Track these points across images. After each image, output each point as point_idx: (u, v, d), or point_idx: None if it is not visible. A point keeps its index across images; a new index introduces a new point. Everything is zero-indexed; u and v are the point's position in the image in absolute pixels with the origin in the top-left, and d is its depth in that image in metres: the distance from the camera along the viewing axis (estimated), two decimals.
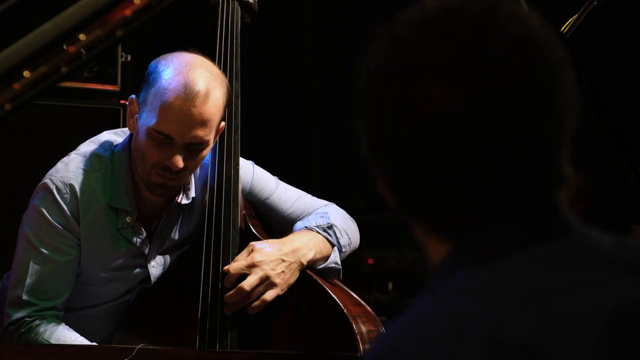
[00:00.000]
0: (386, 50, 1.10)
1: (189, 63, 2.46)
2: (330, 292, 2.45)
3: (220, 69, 2.56)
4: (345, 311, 2.41)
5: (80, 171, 2.53)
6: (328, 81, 6.03)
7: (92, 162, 2.55)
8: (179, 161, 2.42)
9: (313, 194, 2.81)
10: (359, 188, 6.20)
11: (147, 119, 2.43)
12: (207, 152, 2.50)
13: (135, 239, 2.56)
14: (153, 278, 2.58)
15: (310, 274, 2.49)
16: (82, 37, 1.24)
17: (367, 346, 2.39)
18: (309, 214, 2.68)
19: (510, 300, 1.01)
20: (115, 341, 2.52)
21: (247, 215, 2.57)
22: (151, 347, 2.36)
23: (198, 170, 2.60)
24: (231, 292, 2.44)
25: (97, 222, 2.53)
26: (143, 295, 2.57)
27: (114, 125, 3.71)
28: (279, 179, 2.76)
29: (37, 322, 2.50)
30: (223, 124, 2.54)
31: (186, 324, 2.47)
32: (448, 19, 1.06)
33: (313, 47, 6.09)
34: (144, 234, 2.57)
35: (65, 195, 2.50)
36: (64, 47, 1.23)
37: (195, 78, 2.43)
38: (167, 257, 2.61)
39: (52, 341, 2.47)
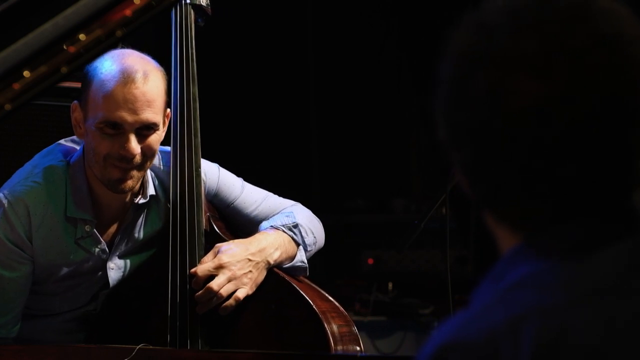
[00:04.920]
0: (474, 37, 1.08)
1: (122, 53, 2.48)
2: (298, 288, 2.47)
3: (177, 73, 2.56)
4: (314, 307, 2.42)
5: (34, 184, 2.51)
6: (328, 81, 6.03)
7: (46, 174, 2.53)
8: (134, 147, 2.42)
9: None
10: (359, 188, 6.20)
11: (93, 116, 2.43)
12: (159, 138, 2.49)
13: (94, 248, 2.54)
14: (112, 281, 2.56)
15: (277, 272, 2.51)
16: (82, 37, 1.24)
17: (338, 342, 2.41)
18: (274, 211, 2.68)
19: (576, 299, 1.00)
20: (90, 335, 2.53)
21: (211, 217, 2.59)
22: (151, 347, 2.36)
23: (157, 166, 2.60)
24: (200, 292, 2.45)
25: (53, 234, 2.51)
26: (110, 301, 2.56)
27: None
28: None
29: None
30: (169, 110, 2.54)
31: (155, 325, 2.48)
32: (539, 11, 1.05)
33: (314, 47, 6.09)
34: (103, 244, 2.55)
35: (17, 211, 2.48)
36: (64, 47, 1.23)
37: (131, 63, 2.45)
38: (128, 260, 2.59)
39: None
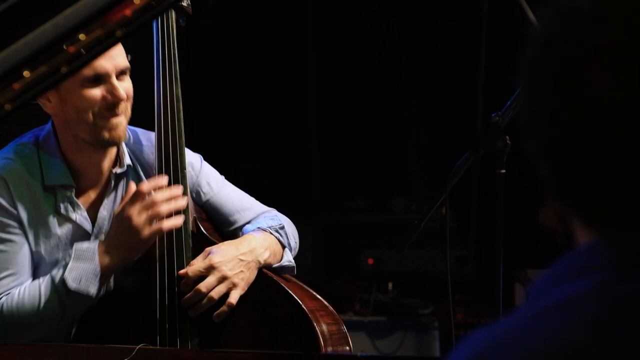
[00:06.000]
0: (555, 20, 1.01)
1: None
2: (287, 288, 2.48)
3: (159, 74, 2.58)
4: (303, 306, 2.43)
5: (7, 161, 2.56)
6: (328, 81, 6.03)
7: (17, 150, 2.59)
8: (121, 90, 2.50)
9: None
10: (359, 188, 6.20)
11: (72, 79, 2.46)
12: (130, 84, 2.57)
13: (75, 215, 2.57)
14: None
15: (265, 272, 2.52)
16: (82, 37, 1.24)
17: (327, 340, 2.42)
18: (255, 215, 2.71)
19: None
20: (75, 335, 2.53)
21: (198, 219, 2.59)
22: (151, 347, 2.36)
23: (131, 139, 2.65)
24: (189, 294, 2.48)
25: (34, 206, 2.55)
26: (99, 300, 2.56)
27: None
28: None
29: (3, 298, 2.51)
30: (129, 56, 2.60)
31: (144, 328, 2.48)
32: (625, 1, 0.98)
33: (314, 47, 6.09)
34: (83, 210, 2.58)
35: None
36: (64, 47, 1.23)
37: None
38: None
39: (27, 299, 2.47)
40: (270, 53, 5.89)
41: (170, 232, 2.52)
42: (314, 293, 2.55)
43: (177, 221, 2.50)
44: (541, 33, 1.02)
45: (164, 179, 2.52)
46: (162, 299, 2.48)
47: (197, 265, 2.49)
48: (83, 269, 2.46)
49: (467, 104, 4.78)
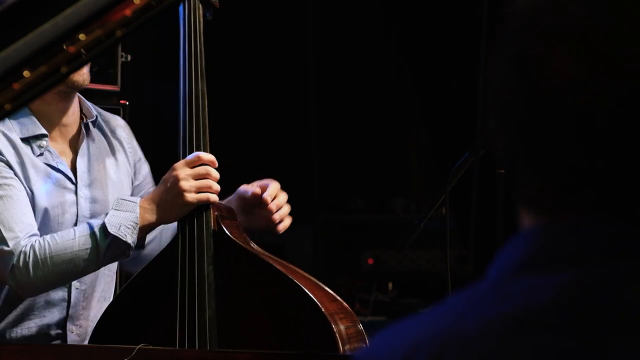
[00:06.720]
0: (521, 3, 1.01)
1: None
2: (307, 291, 2.45)
3: (185, 68, 2.57)
4: (322, 309, 2.42)
5: None
6: (328, 81, 6.03)
7: None
8: None
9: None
10: (359, 188, 6.21)
11: None
12: None
13: (55, 163, 2.61)
14: (83, 212, 2.63)
15: (287, 275, 2.48)
16: (82, 37, 1.24)
17: (345, 344, 2.41)
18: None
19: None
20: (94, 333, 2.52)
21: (219, 217, 2.58)
22: (151, 347, 2.36)
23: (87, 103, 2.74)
24: (278, 211, 2.62)
25: (18, 155, 2.57)
26: (122, 295, 2.56)
27: None
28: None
29: (30, 246, 2.48)
30: None
31: (164, 324, 2.48)
32: None
33: (314, 47, 6.09)
34: (61, 160, 2.62)
35: None
36: (64, 47, 1.23)
37: None
38: (95, 192, 2.67)
39: (60, 247, 2.47)
40: (270, 53, 5.89)
41: (192, 230, 2.51)
42: (333, 294, 2.53)
43: (215, 199, 2.52)
44: (507, 19, 1.02)
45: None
46: (183, 297, 2.47)
47: (270, 189, 2.62)
48: (124, 217, 2.48)
49: (467, 104, 4.78)
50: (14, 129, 2.58)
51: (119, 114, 3.78)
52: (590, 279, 0.89)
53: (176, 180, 2.47)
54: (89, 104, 2.76)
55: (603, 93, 0.95)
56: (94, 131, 2.73)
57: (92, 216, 2.63)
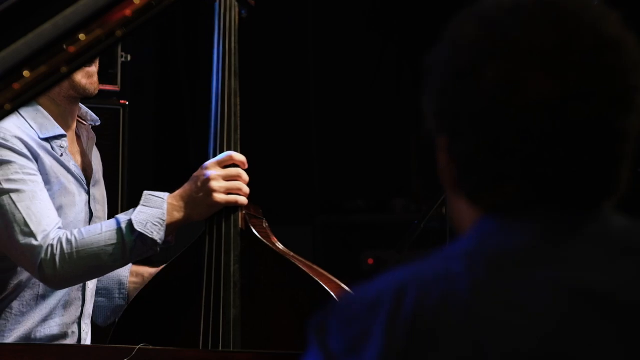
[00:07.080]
0: (480, 29, 1.10)
1: None
2: (329, 290, 2.44)
3: (219, 67, 2.56)
4: None
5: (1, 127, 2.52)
6: (328, 82, 6.03)
7: None
8: None
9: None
10: (359, 188, 6.21)
11: None
12: None
13: (71, 165, 2.60)
14: (95, 212, 2.63)
15: (308, 274, 2.47)
16: (82, 37, 1.24)
17: None
18: None
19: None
20: (115, 332, 2.51)
21: (247, 215, 2.56)
22: (151, 347, 2.36)
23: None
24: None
25: (42, 157, 2.55)
26: (145, 292, 2.56)
27: (114, 125, 3.71)
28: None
29: (58, 239, 2.46)
30: None
31: (187, 323, 2.47)
32: (546, 9, 1.08)
33: (314, 48, 6.09)
34: (74, 162, 2.61)
35: (10, 140, 2.50)
36: (64, 47, 1.23)
37: None
38: (96, 192, 2.68)
39: (86, 241, 2.44)
40: (270, 53, 5.90)
41: (220, 229, 2.49)
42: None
43: (245, 201, 2.49)
44: (467, 41, 1.11)
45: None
46: (208, 296, 2.45)
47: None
48: (151, 214, 2.45)
49: None
50: (32, 129, 2.57)
51: (119, 114, 3.79)
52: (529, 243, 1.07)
53: (207, 179, 2.45)
54: (80, 104, 2.76)
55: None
56: (94, 135, 2.75)
57: (97, 215, 2.64)
